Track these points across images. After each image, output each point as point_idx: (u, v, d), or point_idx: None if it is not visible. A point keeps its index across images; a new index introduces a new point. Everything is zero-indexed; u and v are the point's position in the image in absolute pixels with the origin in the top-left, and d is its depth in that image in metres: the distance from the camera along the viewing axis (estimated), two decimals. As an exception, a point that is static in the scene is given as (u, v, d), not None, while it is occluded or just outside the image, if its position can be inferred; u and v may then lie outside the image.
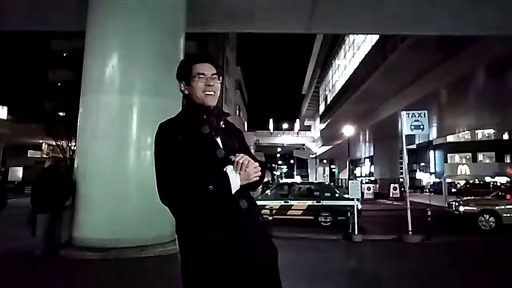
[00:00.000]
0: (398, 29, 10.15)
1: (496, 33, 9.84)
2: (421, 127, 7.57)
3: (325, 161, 65.89)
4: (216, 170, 1.37)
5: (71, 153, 22.23)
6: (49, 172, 5.64)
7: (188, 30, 7.35)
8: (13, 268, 4.74)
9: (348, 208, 8.14)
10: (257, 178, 1.43)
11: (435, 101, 19.34)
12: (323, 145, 45.84)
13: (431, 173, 45.22)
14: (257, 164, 1.42)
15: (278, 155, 64.75)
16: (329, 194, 10.05)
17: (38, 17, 8.82)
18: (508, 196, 9.64)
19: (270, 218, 7.84)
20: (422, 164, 48.11)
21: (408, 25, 9.32)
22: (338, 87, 34.18)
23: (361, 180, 30.84)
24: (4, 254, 5.38)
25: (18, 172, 32.36)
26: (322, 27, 10.16)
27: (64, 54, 34.71)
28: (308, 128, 62.81)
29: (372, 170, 41.46)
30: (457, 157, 44.82)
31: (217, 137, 1.47)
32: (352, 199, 9.71)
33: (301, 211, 8.70)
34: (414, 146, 44.65)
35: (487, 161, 43.33)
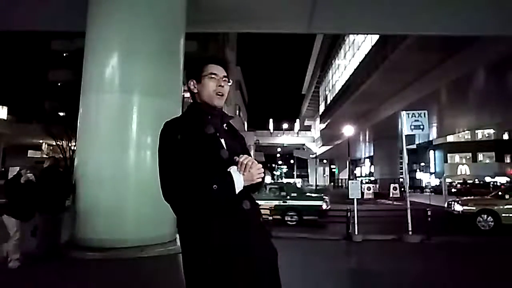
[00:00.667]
0: (398, 29, 10.15)
1: (496, 33, 9.84)
2: (421, 127, 7.57)
3: (325, 161, 65.92)
4: (220, 170, 1.38)
5: (71, 153, 22.23)
6: (48, 172, 5.63)
7: (188, 30, 7.35)
8: (13, 268, 4.73)
9: (315, 207, 8.39)
10: (260, 179, 1.44)
11: (435, 101, 19.36)
12: (323, 145, 45.86)
13: (431, 173, 45.25)
14: (260, 165, 1.43)
15: (278, 155, 64.78)
16: (295, 194, 10.30)
17: (38, 17, 8.83)
18: (507, 196, 9.65)
19: (270, 218, 7.85)
20: (422, 164, 48.13)
21: (408, 25, 9.33)
22: (338, 87, 34.19)
23: (361, 180, 30.88)
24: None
25: (18, 172, 32.30)
26: (322, 27, 10.16)
27: (64, 54, 34.72)
28: (308, 128, 62.82)
29: (372, 170, 41.49)
30: (457, 157, 44.85)
31: (221, 138, 1.48)
32: (320, 199, 9.93)
33: (269, 211, 8.88)
34: (414, 146, 44.69)
35: (487, 161, 43.35)
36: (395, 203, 20.43)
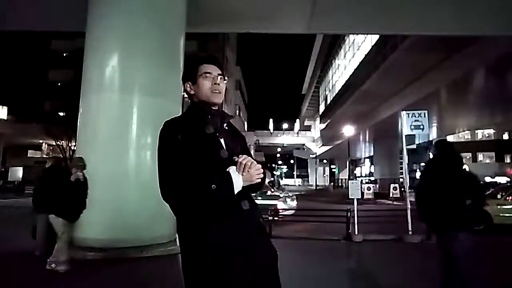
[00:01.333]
0: (398, 29, 10.15)
1: (496, 33, 9.84)
2: (421, 127, 7.57)
3: (325, 161, 65.91)
4: (219, 170, 1.38)
5: (71, 153, 22.24)
6: (51, 173, 5.63)
7: (188, 30, 7.36)
8: (13, 268, 4.74)
9: (269, 206, 8.55)
10: (259, 180, 1.43)
11: (435, 101, 19.35)
12: (323, 145, 45.83)
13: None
14: (259, 166, 1.42)
15: (278, 155, 64.80)
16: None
17: (38, 17, 8.83)
18: (499, 196, 9.74)
19: (271, 218, 7.86)
20: (422, 164, 48.09)
21: (408, 25, 9.33)
22: (338, 87, 34.19)
23: (361, 180, 30.83)
24: (4, 254, 5.39)
25: (18, 172, 32.38)
26: (322, 27, 10.15)
27: (64, 54, 34.73)
28: (308, 128, 62.81)
29: (372, 170, 41.46)
30: (457, 157, 44.77)
31: (221, 138, 1.47)
32: (275, 198, 10.08)
33: None
34: (414, 146, 44.67)
35: (487, 161, 43.34)
36: (395, 203, 20.42)
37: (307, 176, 73.00)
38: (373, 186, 26.51)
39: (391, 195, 23.32)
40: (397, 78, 18.79)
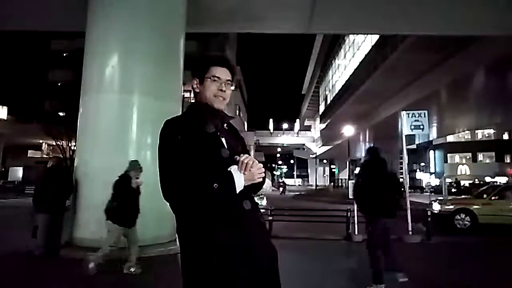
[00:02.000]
0: (398, 29, 10.16)
1: (496, 33, 9.85)
2: (421, 127, 7.57)
3: (325, 161, 65.90)
4: (221, 169, 1.37)
5: (71, 153, 22.24)
6: (52, 173, 5.63)
7: (188, 30, 7.36)
8: (13, 268, 4.74)
9: None
10: (261, 179, 1.42)
11: (435, 101, 19.36)
12: (323, 145, 45.86)
13: (431, 173, 45.23)
14: (261, 165, 1.41)
15: (278, 155, 64.77)
16: None
17: (38, 17, 8.83)
18: (485, 196, 9.86)
19: (270, 218, 7.85)
20: (422, 164, 48.11)
21: (408, 25, 9.34)
22: (338, 87, 34.21)
23: (361, 180, 30.73)
24: (4, 254, 5.39)
25: (18, 172, 32.35)
26: (322, 27, 10.16)
27: (64, 54, 34.73)
28: (308, 128, 62.83)
29: (372, 170, 41.33)
30: (457, 157, 44.82)
31: (222, 137, 1.46)
32: None
33: None
34: (414, 146, 44.65)
35: (487, 161, 43.31)
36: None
37: (307, 176, 73.00)
38: (373, 186, 26.46)
39: (391, 195, 23.29)
40: (397, 78, 18.81)
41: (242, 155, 1.40)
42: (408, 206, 7.59)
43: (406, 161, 8.55)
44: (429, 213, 7.93)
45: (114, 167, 5.92)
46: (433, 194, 25.10)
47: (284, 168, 72.02)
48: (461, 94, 18.00)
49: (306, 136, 58.85)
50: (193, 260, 1.33)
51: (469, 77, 15.42)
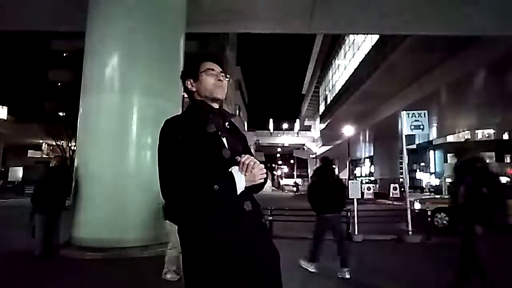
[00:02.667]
0: (398, 29, 10.15)
1: (496, 33, 9.85)
2: (421, 127, 7.57)
3: (325, 161, 65.75)
4: (222, 170, 1.35)
5: (71, 153, 22.25)
6: (55, 172, 5.63)
7: (188, 30, 7.36)
8: (13, 268, 4.74)
9: None
10: (262, 180, 1.41)
11: (435, 101, 19.34)
12: (323, 145, 45.81)
13: (431, 173, 45.21)
14: (262, 166, 1.40)
15: (278, 155, 64.74)
16: None
17: (38, 17, 8.83)
18: None
19: (270, 218, 7.85)
20: (422, 164, 48.08)
21: (408, 25, 9.33)
22: (338, 87, 34.16)
23: (361, 180, 30.83)
24: (4, 254, 5.39)
25: (18, 172, 32.30)
26: (322, 27, 10.16)
27: (64, 54, 34.73)
28: (308, 128, 62.78)
29: (372, 170, 41.43)
30: (457, 157, 44.71)
31: (223, 137, 1.45)
32: None
33: None
34: (414, 146, 44.65)
35: (487, 161, 43.15)
36: (395, 203, 20.42)
37: (307, 176, 72.93)
38: (373, 186, 26.56)
39: (391, 195, 23.36)
40: (397, 78, 18.79)
41: (243, 155, 1.38)
42: (408, 205, 7.61)
43: (406, 161, 8.55)
44: (429, 213, 7.93)
45: (114, 167, 5.95)
46: (433, 194, 25.14)
47: (284, 168, 71.98)
48: (461, 94, 17.98)
49: (306, 136, 58.80)
50: (194, 260, 1.32)
51: (469, 77, 15.40)
